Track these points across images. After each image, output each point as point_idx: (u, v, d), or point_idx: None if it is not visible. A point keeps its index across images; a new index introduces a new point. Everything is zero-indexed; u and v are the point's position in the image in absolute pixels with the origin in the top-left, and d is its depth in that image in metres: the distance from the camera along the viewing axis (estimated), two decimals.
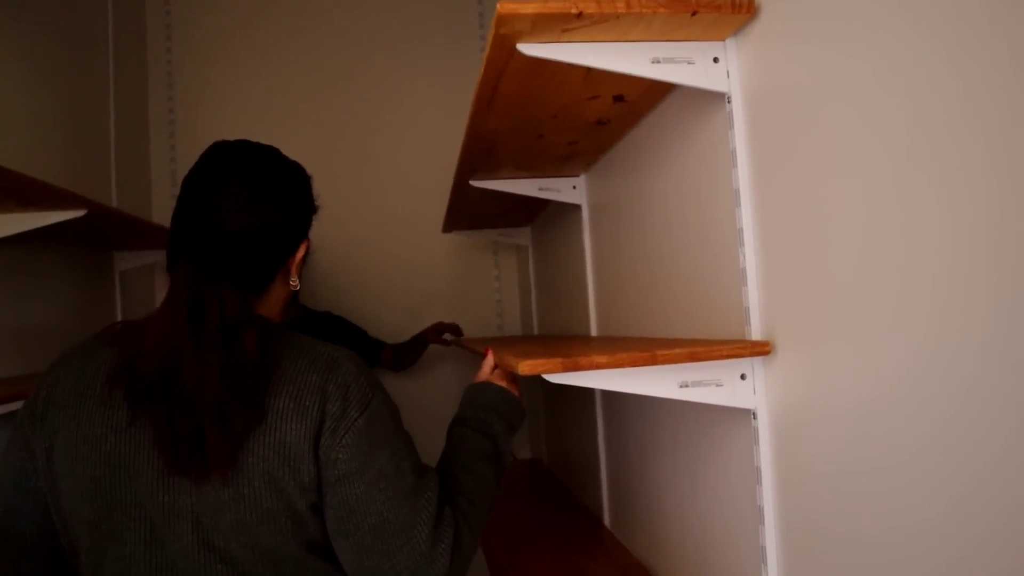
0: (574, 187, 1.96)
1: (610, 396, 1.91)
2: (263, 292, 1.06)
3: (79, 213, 1.75)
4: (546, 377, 0.97)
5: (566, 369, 0.97)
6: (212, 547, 0.91)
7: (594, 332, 1.97)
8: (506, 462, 1.20)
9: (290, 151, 1.11)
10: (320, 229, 1.18)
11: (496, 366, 1.29)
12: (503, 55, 1.06)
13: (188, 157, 3.10)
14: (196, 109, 3.01)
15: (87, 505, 0.92)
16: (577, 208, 2.00)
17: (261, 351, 0.94)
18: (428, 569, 0.97)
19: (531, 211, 2.48)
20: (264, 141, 1.11)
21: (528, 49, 1.01)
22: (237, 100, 3.03)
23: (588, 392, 2.06)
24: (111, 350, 0.97)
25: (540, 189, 1.95)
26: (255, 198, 1.03)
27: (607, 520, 1.97)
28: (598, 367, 0.97)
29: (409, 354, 2.79)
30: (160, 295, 2.89)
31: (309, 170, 1.14)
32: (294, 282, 1.11)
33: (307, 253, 1.13)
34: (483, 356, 1.32)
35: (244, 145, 1.09)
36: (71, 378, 0.97)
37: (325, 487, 0.94)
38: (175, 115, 3.01)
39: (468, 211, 2.42)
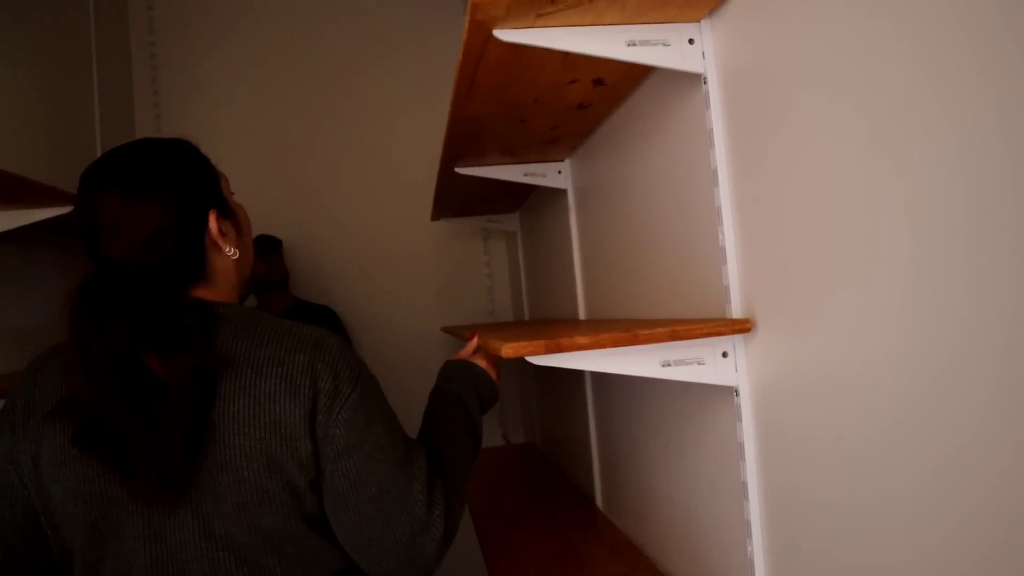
0: (559, 172, 1.97)
1: (600, 379, 1.92)
2: (203, 274, 1.04)
3: (65, 210, 1.75)
4: (529, 359, 0.99)
5: (549, 351, 0.98)
6: (213, 535, 0.92)
7: (582, 315, 1.99)
8: (479, 433, 1.24)
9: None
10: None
11: (478, 349, 1.34)
12: (480, 41, 1.06)
13: None
14: (181, 104, 3.01)
15: (82, 506, 0.92)
16: (563, 193, 2.00)
17: (182, 363, 0.91)
18: (425, 534, 1.00)
19: (519, 197, 2.48)
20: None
21: (504, 35, 1.02)
22: (222, 92, 3.02)
23: (578, 376, 2.08)
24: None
25: (525, 175, 1.95)
26: (129, 203, 0.97)
27: (599, 501, 1.99)
28: (580, 348, 0.99)
29: None
30: None
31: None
32: (231, 252, 1.07)
33: (232, 221, 1.10)
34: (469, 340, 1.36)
35: (107, 156, 1.03)
36: (49, 383, 0.96)
37: (324, 463, 0.96)
38: (160, 109, 3.00)
39: (456, 198, 2.42)
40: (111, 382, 0.88)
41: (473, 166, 1.92)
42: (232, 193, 1.15)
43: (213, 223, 1.04)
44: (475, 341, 1.34)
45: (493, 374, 1.31)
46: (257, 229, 2.96)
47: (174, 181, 1.01)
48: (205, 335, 0.95)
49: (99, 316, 0.91)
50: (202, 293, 1.04)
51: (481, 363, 1.31)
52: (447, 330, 2.64)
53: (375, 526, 0.98)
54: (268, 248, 2.94)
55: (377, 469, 0.98)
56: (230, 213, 1.10)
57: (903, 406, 0.74)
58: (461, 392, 1.25)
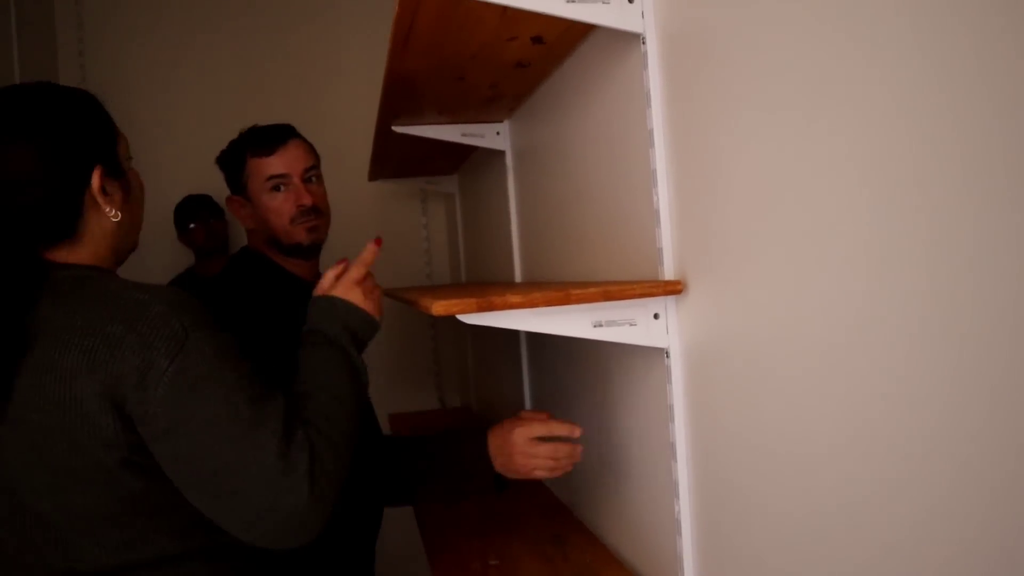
0: (498, 133, 1.94)
1: (535, 342, 1.92)
2: (73, 232, 1.00)
3: None
4: (461, 318, 0.97)
5: (480, 309, 0.97)
6: (25, 511, 0.91)
7: (519, 278, 1.98)
8: (360, 368, 1.15)
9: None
10: None
11: (340, 276, 1.25)
12: None
13: None
14: (107, 52, 2.88)
15: None
16: (501, 154, 1.98)
17: None
18: (285, 500, 0.90)
19: (457, 158, 2.45)
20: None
21: None
22: (150, 43, 2.90)
23: (514, 338, 2.08)
24: None
25: (464, 135, 1.92)
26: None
27: None
28: (512, 307, 0.98)
29: None
30: None
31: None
32: (111, 213, 1.01)
33: (121, 183, 1.05)
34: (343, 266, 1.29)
35: None
36: None
37: (151, 444, 0.90)
38: (84, 59, 2.87)
39: (393, 158, 2.38)
40: None
41: (411, 125, 1.89)
42: (130, 158, 1.09)
43: (96, 179, 1.00)
44: (340, 267, 1.27)
45: (363, 302, 1.22)
46: (187, 188, 2.87)
47: (53, 129, 0.98)
48: (17, 303, 0.92)
49: None
50: (65, 253, 1.00)
51: (351, 295, 1.20)
52: (385, 292, 2.61)
53: (226, 499, 0.91)
54: (209, 213, 2.86)
55: (211, 444, 0.90)
56: (121, 174, 1.05)
57: (827, 366, 0.75)
58: (328, 331, 1.15)
